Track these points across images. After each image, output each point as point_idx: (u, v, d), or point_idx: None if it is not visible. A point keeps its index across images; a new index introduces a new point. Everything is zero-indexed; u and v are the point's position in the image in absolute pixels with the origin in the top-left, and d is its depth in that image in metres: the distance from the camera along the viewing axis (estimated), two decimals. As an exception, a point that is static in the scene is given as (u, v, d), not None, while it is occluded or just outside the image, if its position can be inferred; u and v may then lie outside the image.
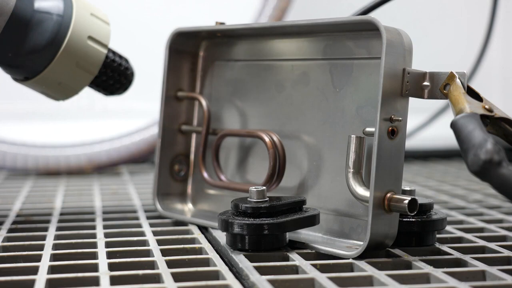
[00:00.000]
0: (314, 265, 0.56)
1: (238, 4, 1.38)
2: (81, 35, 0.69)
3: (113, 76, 0.73)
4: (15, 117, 1.45)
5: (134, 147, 1.14)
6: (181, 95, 0.77)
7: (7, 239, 0.68)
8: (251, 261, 0.58)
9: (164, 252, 0.61)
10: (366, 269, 0.55)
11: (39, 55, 0.68)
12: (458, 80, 0.57)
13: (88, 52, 0.70)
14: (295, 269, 0.56)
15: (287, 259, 0.59)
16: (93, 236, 0.68)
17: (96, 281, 0.53)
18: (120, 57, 0.74)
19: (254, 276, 0.54)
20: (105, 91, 0.74)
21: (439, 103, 1.27)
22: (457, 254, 0.60)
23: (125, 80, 0.74)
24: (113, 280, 0.53)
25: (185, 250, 0.63)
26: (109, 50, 0.73)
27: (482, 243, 0.64)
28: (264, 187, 0.62)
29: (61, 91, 0.71)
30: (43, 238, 0.67)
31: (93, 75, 0.71)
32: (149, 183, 1.01)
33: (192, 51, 0.78)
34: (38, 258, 0.60)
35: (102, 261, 0.58)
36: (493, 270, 0.55)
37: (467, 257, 0.59)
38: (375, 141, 0.58)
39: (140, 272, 0.55)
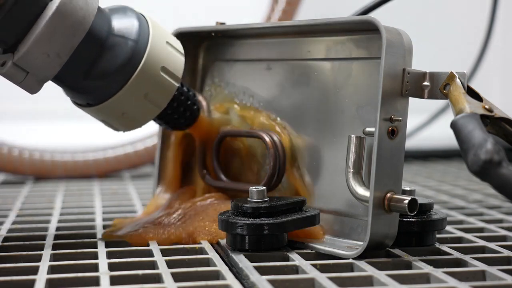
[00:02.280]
0: (314, 265, 0.56)
1: (246, 8, 1.39)
2: (154, 64, 0.63)
3: (178, 110, 0.68)
4: (16, 117, 1.45)
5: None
6: (181, 95, 0.77)
7: (7, 239, 0.68)
8: (251, 261, 0.58)
9: (164, 252, 0.61)
10: (366, 269, 0.55)
11: (108, 81, 0.62)
12: (458, 80, 0.57)
13: (159, 83, 0.63)
14: (295, 269, 0.56)
15: (287, 259, 0.59)
16: (93, 236, 0.68)
17: (96, 281, 0.53)
18: (188, 90, 0.69)
19: (254, 276, 0.54)
20: (167, 124, 0.69)
21: (439, 103, 1.27)
22: (457, 254, 0.60)
23: (190, 115, 0.69)
24: (113, 280, 0.53)
25: (185, 250, 0.63)
26: None
27: (482, 243, 0.64)
28: (264, 187, 0.62)
29: (123, 122, 0.65)
30: (43, 238, 0.67)
31: (161, 108, 0.65)
32: (149, 183, 1.01)
33: (192, 51, 0.78)
34: (38, 258, 0.60)
35: (102, 261, 0.58)
36: (493, 270, 0.55)
37: (467, 257, 0.59)
38: (375, 141, 0.58)
39: (140, 272, 0.55)
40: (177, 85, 0.64)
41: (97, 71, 0.61)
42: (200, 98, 0.71)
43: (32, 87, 0.60)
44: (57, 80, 0.62)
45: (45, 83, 0.61)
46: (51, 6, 0.58)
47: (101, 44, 0.61)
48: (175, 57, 0.64)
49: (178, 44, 0.66)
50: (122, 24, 0.62)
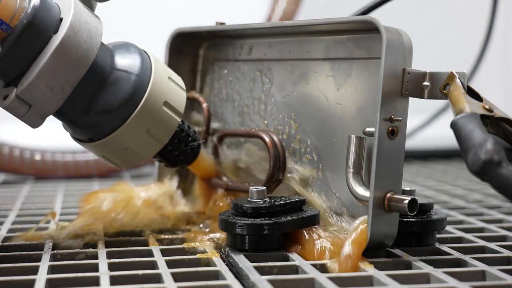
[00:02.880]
0: (314, 265, 0.56)
1: (246, 8, 1.38)
2: (157, 99, 0.62)
3: (179, 147, 0.66)
4: (16, 118, 1.45)
5: None
6: (181, 95, 0.77)
7: (7, 239, 0.68)
8: (251, 261, 0.58)
9: (164, 252, 0.61)
10: (366, 269, 0.55)
11: (110, 115, 0.61)
12: (458, 80, 0.57)
13: (161, 118, 0.62)
14: (295, 269, 0.56)
15: (287, 259, 0.59)
16: (93, 235, 0.68)
17: (96, 281, 0.53)
18: (189, 127, 0.68)
19: (254, 276, 0.54)
20: (168, 161, 0.67)
21: (439, 103, 1.27)
22: (457, 254, 0.60)
23: (190, 152, 0.68)
24: (113, 280, 0.53)
25: (185, 250, 0.63)
26: None
27: (482, 243, 0.64)
28: (264, 187, 0.62)
29: (124, 158, 0.63)
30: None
31: (163, 144, 0.64)
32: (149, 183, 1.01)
33: (192, 51, 0.78)
34: (38, 258, 0.60)
35: (102, 261, 0.58)
36: (493, 270, 0.55)
37: (467, 257, 0.59)
38: (375, 141, 0.58)
39: (140, 272, 0.55)
40: (179, 120, 0.64)
41: (100, 105, 0.60)
42: (200, 98, 0.71)
43: (34, 121, 0.59)
44: (59, 114, 0.61)
45: (47, 117, 0.59)
46: (55, 39, 0.57)
47: (104, 78, 0.60)
48: (177, 92, 0.64)
49: (179, 80, 0.65)
50: (125, 59, 0.62)
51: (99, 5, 0.63)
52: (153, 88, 0.62)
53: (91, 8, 0.61)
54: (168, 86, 0.63)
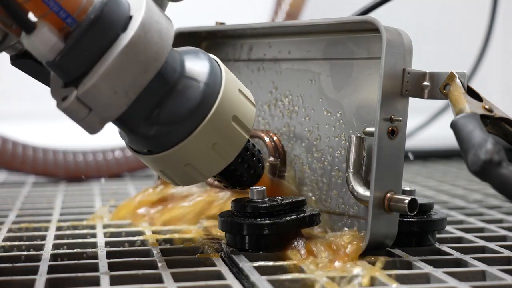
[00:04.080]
0: (314, 265, 0.56)
1: (246, 8, 1.38)
2: (226, 112, 0.56)
3: (242, 166, 0.60)
4: (17, 118, 1.45)
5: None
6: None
7: (7, 239, 0.68)
8: (251, 261, 0.58)
9: (164, 252, 0.61)
10: (366, 269, 0.55)
11: (175, 126, 0.55)
12: (458, 80, 0.57)
13: (229, 134, 0.57)
14: (295, 269, 0.56)
15: (287, 259, 0.59)
16: (93, 235, 0.68)
17: (96, 281, 0.53)
18: (254, 145, 0.61)
19: (254, 276, 0.54)
20: (228, 181, 0.61)
21: (439, 103, 1.27)
22: (457, 254, 0.60)
23: (254, 173, 0.61)
24: (113, 280, 0.53)
25: (185, 250, 0.63)
26: None
27: (482, 243, 0.64)
28: (264, 187, 0.62)
29: (184, 174, 0.57)
30: (43, 238, 0.67)
31: (228, 162, 0.58)
32: (149, 183, 1.01)
33: (192, 51, 0.78)
34: (38, 258, 0.60)
35: (102, 261, 0.58)
36: (493, 270, 0.55)
37: (467, 257, 0.59)
38: (375, 141, 0.58)
39: (140, 272, 0.55)
40: (246, 137, 0.58)
41: (165, 114, 0.55)
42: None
43: (93, 127, 0.53)
44: (119, 121, 0.55)
45: (107, 122, 0.54)
46: (123, 37, 0.52)
47: (172, 84, 0.55)
48: (247, 107, 0.58)
49: (249, 94, 0.59)
50: (194, 66, 0.56)
51: (170, 5, 0.59)
52: (223, 100, 0.56)
53: (162, 7, 0.57)
54: (239, 99, 0.58)
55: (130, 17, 0.52)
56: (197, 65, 0.56)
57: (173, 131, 0.55)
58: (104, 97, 0.52)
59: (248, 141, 0.60)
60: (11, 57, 0.58)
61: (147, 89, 0.53)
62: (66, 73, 0.52)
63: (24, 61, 0.57)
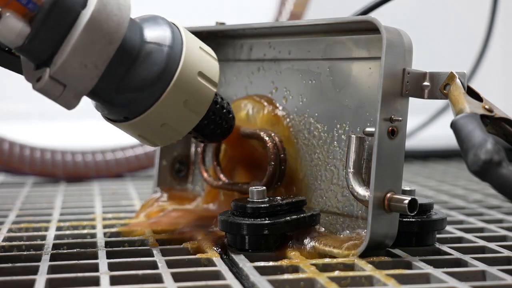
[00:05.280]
0: (314, 265, 0.56)
1: (251, 10, 1.39)
2: (191, 69, 0.60)
3: (215, 120, 0.64)
4: (17, 117, 1.45)
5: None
6: (181, 95, 0.77)
7: (7, 239, 0.68)
8: (251, 261, 0.58)
9: (164, 252, 0.61)
10: (366, 269, 0.55)
11: (146, 90, 0.59)
12: (458, 80, 0.57)
13: (197, 89, 0.60)
14: (295, 269, 0.56)
15: (287, 259, 0.59)
16: (93, 235, 0.68)
17: (96, 281, 0.53)
18: (222, 98, 0.65)
19: (254, 276, 0.54)
20: (204, 136, 0.65)
21: (439, 103, 1.27)
22: (457, 254, 0.60)
23: (226, 125, 0.66)
24: (113, 280, 0.53)
25: (185, 250, 0.63)
26: None
27: (482, 243, 0.64)
28: (264, 187, 0.62)
29: (162, 134, 0.61)
30: (43, 238, 0.67)
31: (200, 116, 0.62)
32: (149, 183, 1.01)
33: (192, 51, 0.78)
34: (38, 258, 0.60)
35: (102, 261, 0.58)
36: (493, 270, 0.55)
37: (467, 257, 0.59)
38: (375, 141, 0.58)
39: (140, 272, 0.55)
40: (214, 90, 0.62)
41: (135, 80, 0.58)
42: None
43: (70, 102, 0.57)
44: (93, 94, 0.58)
45: (82, 97, 0.57)
46: (85, 14, 0.55)
47: (136, 51, 0.58)
48: (210, 61, 0.62)
49: (210, 50, 0.63)
50: (155, 32, 0.60)
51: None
52: (186, 59, 0.60)
53: None
54: (201, 56, 0.61)
55: None
56: (157, 30, 0.60)
57: (145, 95, 0.59)
58: (76, 72, 0.55)
59: (216, 94, 0.64)
60: None
61: (114, 59, 0.57)
62: (36, 56, 0.56)
63: None
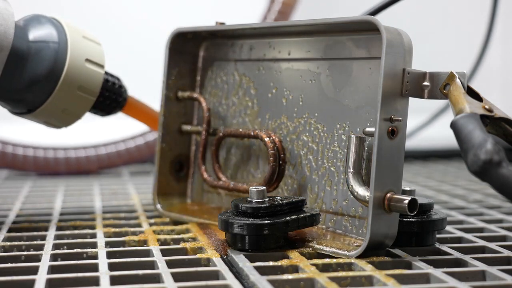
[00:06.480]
0: (314, 265, 0.56)
1: (242, 8, 1.38)
2: (78, 58, 0.69)
3: (109, 96, 0.73)
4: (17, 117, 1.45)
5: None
6: (181, 96, 0.77)
7: (7, 239, 0.68)
8: (251, 261, 0.58)
9: (164, 252, 0.61)
10: (366, 269, 0.55)
11: (41, 85, 0.68)
12: (458, 80, 0.57)
13: (88, 74, 0.70)
14: (295, 269, 0.56)
15: (287, 259, 0.59)
16: (93, 236, 0.68)
17: (96, 281, 0.53)
18: (112, 76, 0.74)
19: (254, 276, 0.54)
20: (102, 112, 0.74)
21: (439, 103, 1.27)
22: (457, 254, 0.60)
23: (120, 98, 0.74)
24: (113, 280, 0.53)
25: (185, 250, 0.63)
26: None
27: (482, 243, 0.64)
28: (264, 187, 0.62)
29: (64, 118, 0.71)
30: (43, 238, 0.67)
31: (95, 97, 0.71)
32: (149, 183, 1.01)
33: (192, 51, 0.78)
34: (38, 258, 0.60)
35: (102, 261, 0.58)
36: (493, 270, 0.55)
37: (467, 257, 0.59)
38: (375, 141, 0.58)
39: (140, 272, 0.55)
40: (102, 72, 0.71)
41: (30, 77, 0.67)
42: (200, 98, 0.73)
43: None
44: None
45: None
46: None
47: (27, 52, 0.67)
48: (94, 48, 0.71)
49: (93, 35, 0.71)
50: (39, 31, 0.68)
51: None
52: (72, 49, 0.69)
53: None
54: (85, 44, 0.70)
55: None
56: (41, 29, 0.69)
57: (41, 88, 0.68)
58: None
59: (106, 73, 0.73)
60: None
61: (7, 64, 0.65)
62: None
63: None
